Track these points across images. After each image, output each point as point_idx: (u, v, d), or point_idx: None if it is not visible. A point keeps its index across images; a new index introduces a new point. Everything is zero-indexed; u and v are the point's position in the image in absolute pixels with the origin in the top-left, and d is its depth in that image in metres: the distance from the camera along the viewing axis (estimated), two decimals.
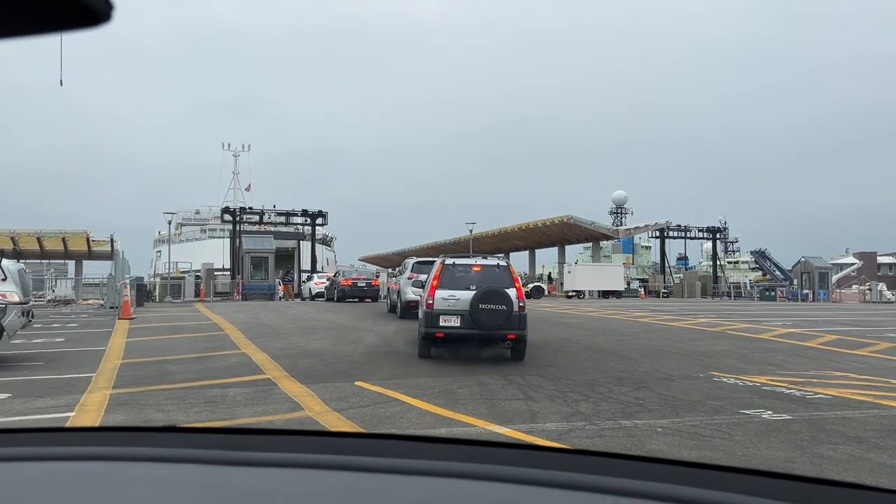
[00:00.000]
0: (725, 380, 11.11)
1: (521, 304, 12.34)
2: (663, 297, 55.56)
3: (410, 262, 23.20)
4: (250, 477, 1.25)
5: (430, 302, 12.46)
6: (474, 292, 12.12)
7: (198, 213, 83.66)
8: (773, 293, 55.78)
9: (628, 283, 56.28)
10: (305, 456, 1.33)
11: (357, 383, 10.18)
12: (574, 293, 50.25)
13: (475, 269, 13.20)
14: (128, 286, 21.24)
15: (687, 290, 56.21)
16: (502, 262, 13.57)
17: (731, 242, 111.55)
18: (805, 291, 53.68)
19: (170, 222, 43.37)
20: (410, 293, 19.61)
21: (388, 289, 27.34)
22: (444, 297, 12.40)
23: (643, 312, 27.46)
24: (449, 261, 13.47)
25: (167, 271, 51.77)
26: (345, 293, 32.58)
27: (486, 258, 14.27)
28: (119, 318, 20.43)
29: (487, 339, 12.51)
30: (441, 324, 12.27)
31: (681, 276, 65.88)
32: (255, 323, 20.07)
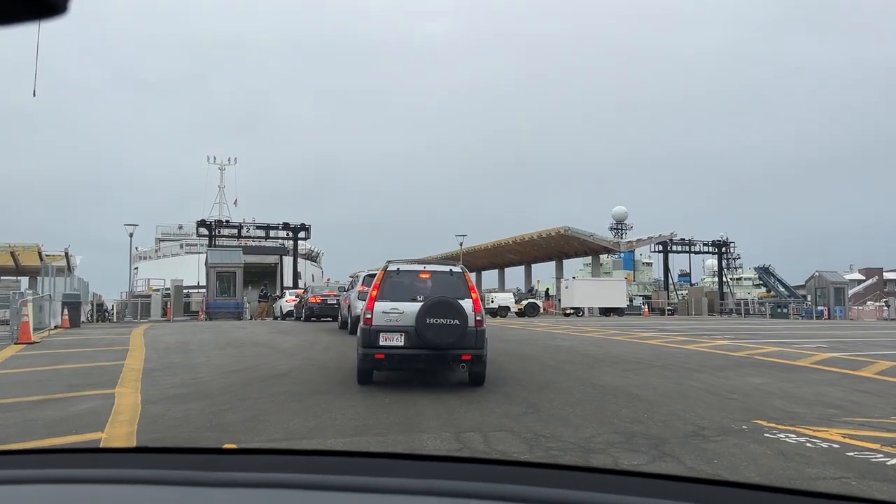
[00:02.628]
0: (783, 436, 7.52)
1: (477, 318, 10.29)
2: (668, 314, 51.92)
3: (362, 274, 21.20)
4: (225, 498, 1.24)
5: (369, 317, 10.33)
6: (421, 304, 10.08)
7: (181, 227, 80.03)
8: (785, 310, 52.27)
9: (630, 300, 52.60)
10: (282, 476, 1.30)
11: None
12: (572, 310, 46.57)
13: (423, 276, 10.92)
14: (29, 304, 17.63)
15: (693, 307, 52.56)
16: (456, 268, 11.20)
17: (734, 259, 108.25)
18: (820, 308, 50.05)
19: (131, 235, 39.72)
20: (360, 307, 16.97)
21: (340, 304, 24.48)
22: (386, 310, 10.30)
23: (650, 333, 23.85)
24: (392, 267, 11.00)
25: (150, 288, 48.39)
26: (312, 311, 28.90)
27: (440, 263, 11.57)
28: (14, 343, 16.82)
29: (437, 360, 10.31)
30: (381, 343, 10.16)
31: (685, 292, 62.31)
32: (178, 349, 16.45)
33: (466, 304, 10.21)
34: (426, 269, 11.07)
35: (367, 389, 10.28)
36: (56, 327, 24.72)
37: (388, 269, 10.92)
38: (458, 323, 9.90)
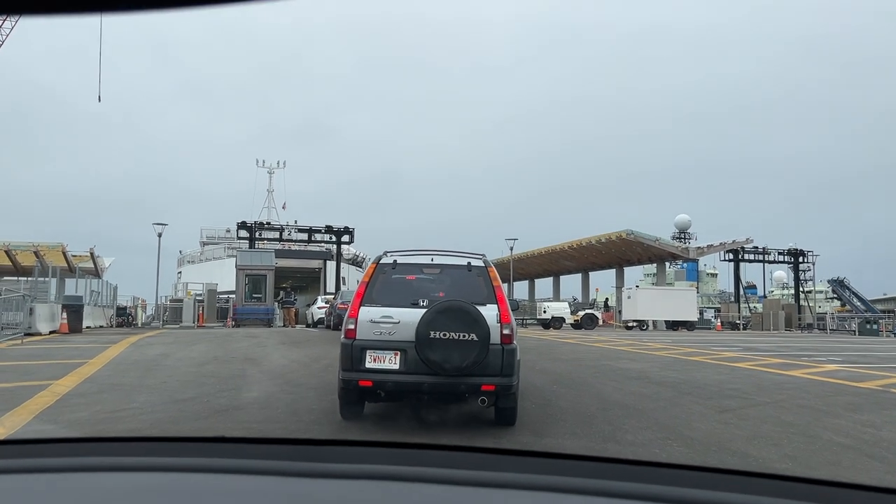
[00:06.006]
0: None
1: (505, 332, 7.25)
2: (742, 329, 47.09)
3: None
4: (315, 488, 1.22)
5: (351, 328, 7.40)
6: (424, 311, 7.15)
7: (228, 231, 78.69)
8: (875, 326, 46.63)
9: (701, 313, 47.79)
10: (385, 468, 1.28)
11: None
12: (635, 323, 42.20)
13: (429, 270, 7.94)
14: None
15: (771, 321, 47.48)
16: (476, 261, 7.93)
17: (804, 271, 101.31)
18: None
19: (160, 235, 37.47)
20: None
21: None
22: (375, 318, 7.36)
23: (734, 352, 19.75)
24: (387, 258, 7.97)
25: (188, 293, 46.30)
26: (341, 319, 25.68)
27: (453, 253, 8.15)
28: None
29: (447, 390, 7.26)
30: (368, 365, 7.25)
31: (756, 305, 57.13)
32: (146, 365, 13.34)
33: (489, 311, 7.21)
34: (434, 261, 7.96)
35: (337, 433, 6.93)
36: (52, 332, 22.18)
37: (382, 261, 7.91)
38: (475, 339, 6.96)
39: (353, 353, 7.25)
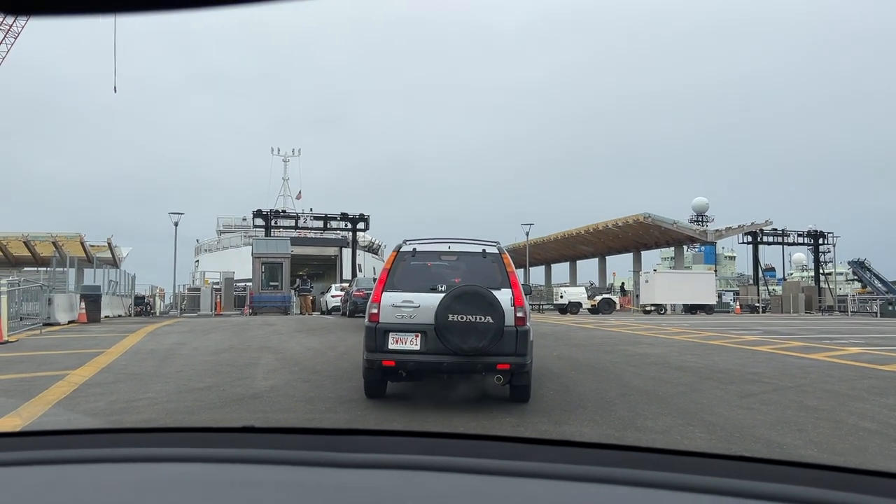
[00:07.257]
0: None
1: (518, 315, 7.74)
2: (761, 312, 46.63)
3: None
4: (343, 478, 1.23)
5: (374, 311, 7.92)
6: (442, 296, 7.67)
7: (245, 220, 78.94)
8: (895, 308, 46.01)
9: (719, 296, 47.33)
10: (410, 457, 1.30)
11: None
12: (653, 307, 41.91)
13: (447, 258, 8.44)
14: (2, 297, 14.94)
15: (791, 304, 47.00)
16: (491, 248, 8.34)
17: (824, 253, 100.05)
18: None
19: (176, 224, 37.61)
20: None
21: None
22: (396, 303, 7.91)
23: (755, 336, 19.51)
24: (407, 246, 8.42)
25: (205, 281, 46.48)
26: (357, 307, 25.83)
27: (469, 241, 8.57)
28: None
29: (464, 369, 7.79)
30: (391, 346, 7.77)
31: (775, 288, 56.57)
32: (162, 354, 13.36)
33: (503, 295, 7.72)
34: (451, 248, 8.39)
35: (353, 421, 6.88)
36: (70, 322, 22.35)
37: (402, 249, 8.34)
38: (490, 321, 7.47)
39: (377, 335, 7.69)
